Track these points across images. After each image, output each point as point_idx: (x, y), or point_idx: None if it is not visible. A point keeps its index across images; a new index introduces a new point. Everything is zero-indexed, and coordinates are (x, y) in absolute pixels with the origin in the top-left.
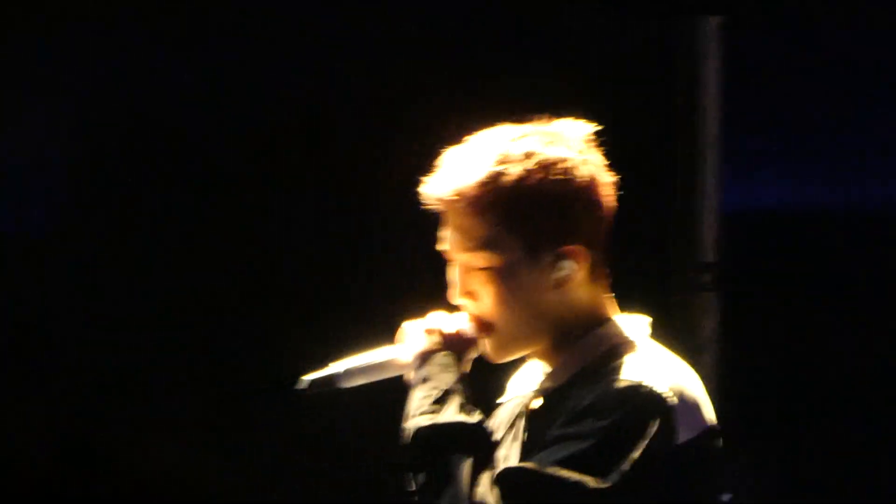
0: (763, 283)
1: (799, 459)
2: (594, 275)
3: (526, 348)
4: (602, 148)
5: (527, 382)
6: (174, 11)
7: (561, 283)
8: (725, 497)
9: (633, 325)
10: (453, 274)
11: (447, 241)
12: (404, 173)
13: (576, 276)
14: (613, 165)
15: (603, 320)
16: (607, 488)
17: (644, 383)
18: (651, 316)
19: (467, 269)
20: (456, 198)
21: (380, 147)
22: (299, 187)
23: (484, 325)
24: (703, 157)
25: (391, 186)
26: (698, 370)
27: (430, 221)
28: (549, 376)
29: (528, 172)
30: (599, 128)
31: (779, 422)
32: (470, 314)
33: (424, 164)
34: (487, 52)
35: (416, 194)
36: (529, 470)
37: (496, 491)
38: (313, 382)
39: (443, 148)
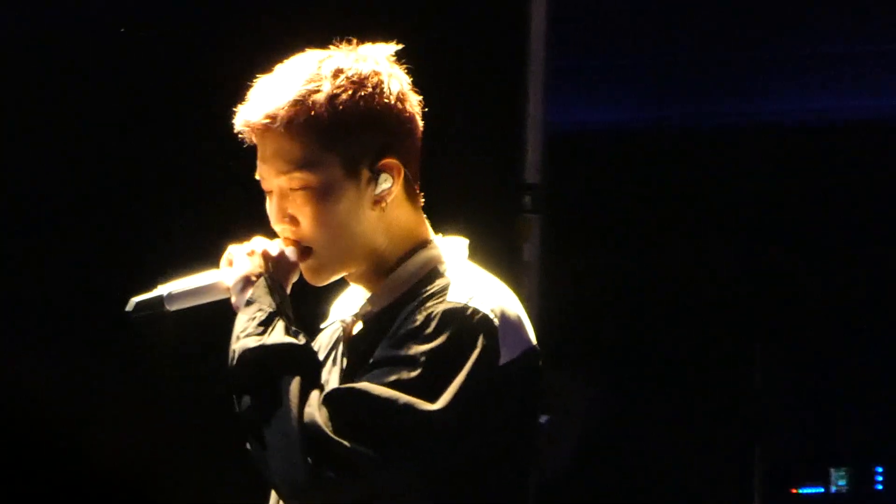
0: (585, 204)
1: (617, 379)
2: (410, 193)
3: (344, 269)
4: (409, 67)
5: (348, 307)
6: None
7: (379, 199)
8: (543, 418)
9: (452, 247)
10: (271, 204)
11: (262, 169)
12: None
13: (393, 192)
14: (438, 85)
15: (422, 242)
16: (436, 410)
17: (467, 304)
18: (472, 237)
19: (284, 194)
20: (268, 121)
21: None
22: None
23: (304, 249)
24: (528, 76)
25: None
26: (519, 292)
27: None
28: (370, 300)
29: (340, 88)
30: (402, 46)
31: (596, 346)
32: (289, 239)
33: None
34: None
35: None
36: (359, 390)
37: (325, 411)
38: (139, 304)
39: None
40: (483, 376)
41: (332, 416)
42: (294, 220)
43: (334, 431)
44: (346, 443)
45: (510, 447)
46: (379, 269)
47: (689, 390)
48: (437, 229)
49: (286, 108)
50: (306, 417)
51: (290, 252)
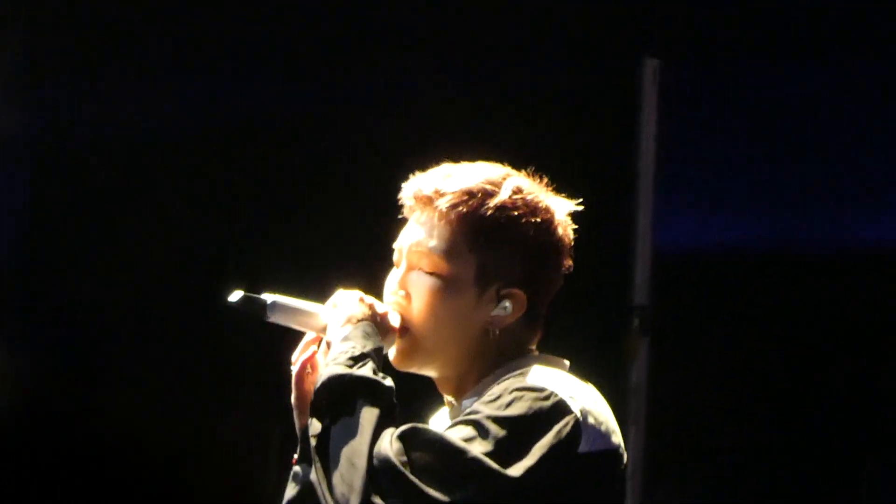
0: (693, 326)
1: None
2: (526, 326)
3: (430, 365)
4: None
5: (441, 423)
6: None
7: (493, 321)
8: None
9: (551, 360)
10: (394, 274)
11: (404, 239)
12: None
13: (508, 321)
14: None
15: (521, 355)
16: (506, 474)
17: (545, 387)
18: (580, 357)
19: (412, 268)
20: (435, 196)
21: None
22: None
23: (403, 325)
24: (638, 198)
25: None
26: (625, 412)
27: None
28: (460, 405)
29: (512, 203)
30: (582, 208)
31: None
32: (395, 311)
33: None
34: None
35: (396, 189)
36: (433, 433)
37: (397, 445)
38: (244, 298)
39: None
40: (559, 456)
41: (403, 451)
42: (407, 297)
43: (402, 465)
44: (410, 478)
45: None
46: (467, 377)
47: None
48: (544, 349)
49: (458, 193)
50: (377, 447)
51: (395, 318)
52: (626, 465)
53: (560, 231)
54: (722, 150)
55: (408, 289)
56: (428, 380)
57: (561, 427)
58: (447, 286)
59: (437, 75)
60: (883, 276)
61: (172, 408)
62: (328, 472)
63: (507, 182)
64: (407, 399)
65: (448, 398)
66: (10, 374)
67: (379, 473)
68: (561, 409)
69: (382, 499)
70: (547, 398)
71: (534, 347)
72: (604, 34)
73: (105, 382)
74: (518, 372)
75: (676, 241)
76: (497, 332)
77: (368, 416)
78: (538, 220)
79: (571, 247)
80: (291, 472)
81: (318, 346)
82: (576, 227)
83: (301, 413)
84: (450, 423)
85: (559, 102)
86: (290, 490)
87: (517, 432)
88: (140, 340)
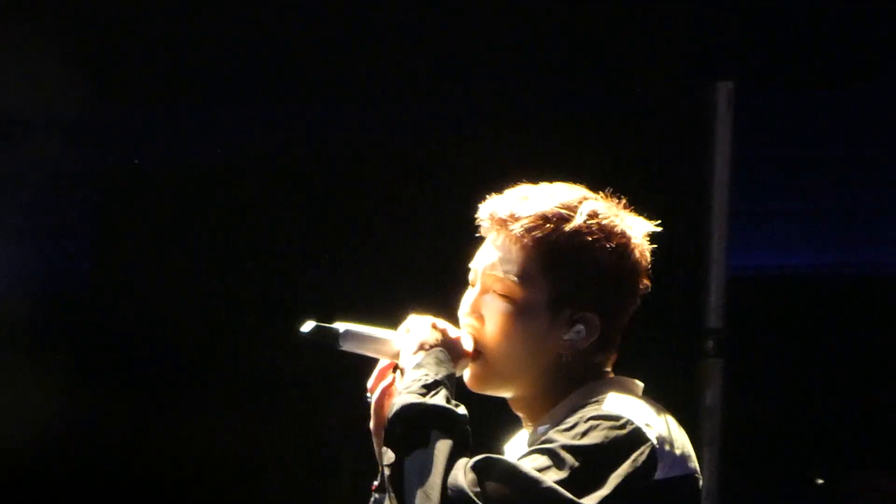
0: (767, 348)
1: None
2: (600, 349)
3: (504, 387)
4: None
5: (518, 448)
6: None
7: (566, 345)
8: None
9: (626, 384)
10: (468, 295)
11: (479, 261)
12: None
13: (582, 345)
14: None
15: (596, 378)
16: (580, 502)
17: (621, 415)
18: (655, 381)
19: (486, 291)
20: (511, 220)
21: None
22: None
23: (476, 349)
24: (712, 222)
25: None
26: (700, 436)
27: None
28: (535, 430)
29: (587, 228)
30: (660, 229)
31: (781, 487)
32: (469, 334)
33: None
34: (512, 115)
35: (471, 210)
36: (508, 463)
37: (471, 476)
38: (316, 329)
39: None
40: (635, 487)
41: (477, 482)
42: (481, 319)
43: (476, 496)
44: None
45: None
46: (542, 399)
47: None
48: (618, 372)
49: (533, 217)
50: (451, 479)
51: (468, 342)
52: (701, 489)
53: (636, 254)
54: (795, 173)
55: (481, 311)
56: (503, 401)
57: (637, 456)
58: (520, 310)
59: (519, 96)
60: None
61: (241, 436)
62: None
63: (583, 206)
64: (484, 421)
65: (524, 420)
66: (77, 397)
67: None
68: (637, 437)
69: None
70: (623, 427)
71: (609, 370)
72: (678, 57)
73: (170, 410)
74: (594, 399)
75: (750, 265)
76: (570, 356)
77: (442, 446)
78: (613, 245)
79: (648, 269)
80: (371, 500)
81: (395, 373)
82: (653, 246)
83: (380, 440)
84: (526, 448)
85: (635, 125)
86: None
87: (593, 462)
88: (210, 370)
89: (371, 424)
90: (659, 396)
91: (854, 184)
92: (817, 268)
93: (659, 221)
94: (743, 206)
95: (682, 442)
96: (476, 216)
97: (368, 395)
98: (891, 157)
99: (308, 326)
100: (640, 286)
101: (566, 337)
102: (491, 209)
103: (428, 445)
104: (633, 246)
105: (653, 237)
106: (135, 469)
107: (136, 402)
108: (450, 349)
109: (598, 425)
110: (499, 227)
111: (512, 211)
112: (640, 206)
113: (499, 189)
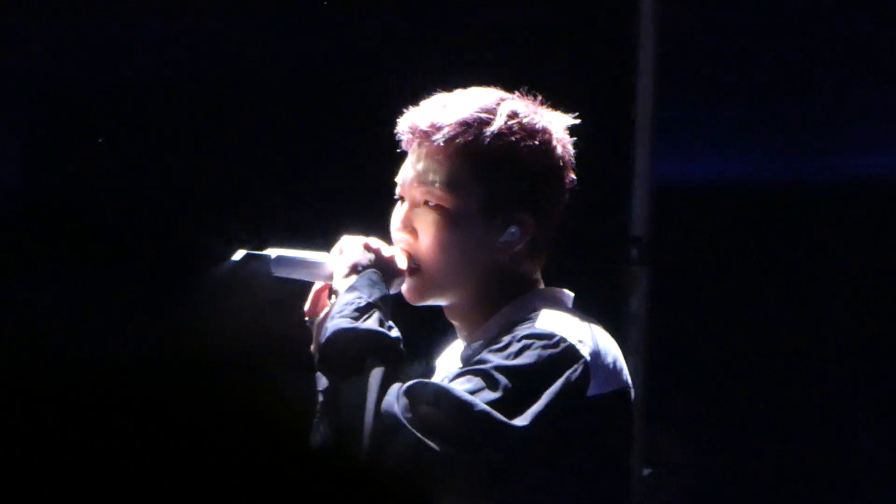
0: (692, 258)
1: (723, 436)
2: (534, 250)
3: (444, 297)
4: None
5: (451, 361)
6: None
7: (502, 248)
8: (646, 471)
9: (557, 296)
10: (398, 211)
11: (405, 175)
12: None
13: (517, 245)
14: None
15: (527, 289)
16: (512, 424)
17: (554, 332)
18: (579, 288)
19: (416, 205)
20: (431, 131)
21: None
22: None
23: (413, 264)
24: (636, 130)
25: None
26: (625, 344)
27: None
28: (466, 347)
29: (509, 129)
30: (578, 121)
31: (704, 398)
32: (403, 250)
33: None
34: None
35: (391, 124)
36: (441, 387)
37: (403, 401)
38: (247, 256)
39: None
40: (569, 404)
41: (410, 408)
42: (414, 233)
43: (408, 422)
44: (417, 434)
45: (594, 485)
46: (479, 308)
47: (797, 447)
48: (544, 281)
49: (453, 125)
50: (384, 405)
51: (402, 260)
52: (634, 401)
53: (560, 149)
54: (721, 82)
55: (413, 225)
56: (438, 310)
57: (570, 373)
58: (453, 218)
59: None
60: (882, 209)
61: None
62: (337, 429)
63: (502, 108)
64: (417, 333)
65: (458, 329)
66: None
67: (385, 430)
68: (570, 355)
69: (390, 456)
70: (556, 345)
71: (539, 278)
72: None
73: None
74: (527, 316)
75: (675, 173)
76: (506, 261)
77: (376, 372)
78: (536, 142)
79: (573, 162)
80: (314, 421)
81: (330, 295)
82: (574, 139)
83: None
84: (459, 363)
85: (557, 32)
86: (314, 439)
87: (526, 381)
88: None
89: (313, 347)
90: (585, 305)
91: (785, 92)
92: (746, 178)
93: (577, 114)
94: (669, 115)
95: (614, 356)
96: (395, 130)
97: (307, 318)
98: (821, 64)
99: (239, 255)
100: (567, 180)
101: (501, 240)
102: (410, 122)
103: (362, 371)
104: (556, 141)
105: (579, 146)
106: None
107: None
108: (384, 269)
109: (531, 344)
110: (420, 139)
111: (432, 121)
112: (565, 112)
113: (417, 100)
